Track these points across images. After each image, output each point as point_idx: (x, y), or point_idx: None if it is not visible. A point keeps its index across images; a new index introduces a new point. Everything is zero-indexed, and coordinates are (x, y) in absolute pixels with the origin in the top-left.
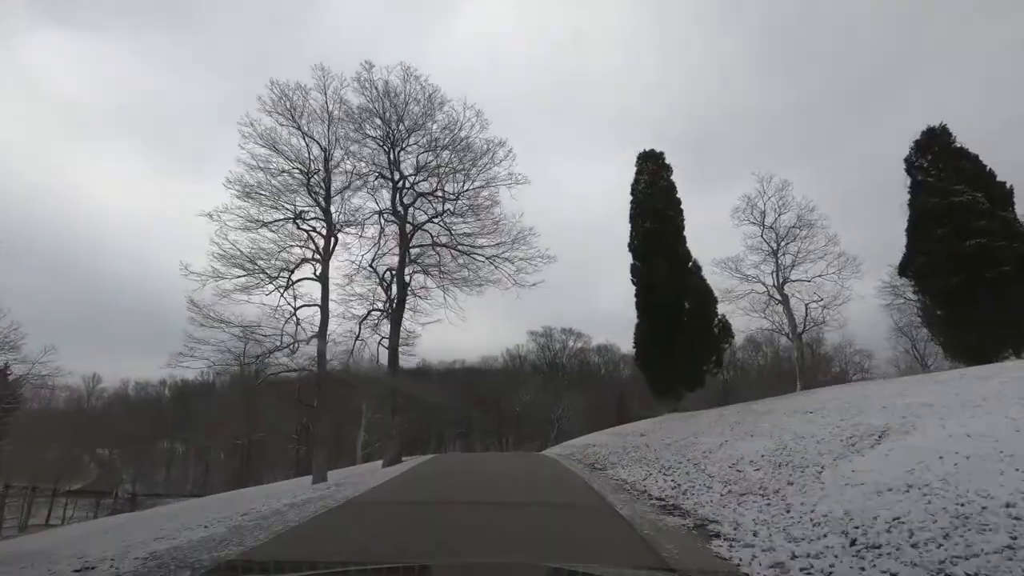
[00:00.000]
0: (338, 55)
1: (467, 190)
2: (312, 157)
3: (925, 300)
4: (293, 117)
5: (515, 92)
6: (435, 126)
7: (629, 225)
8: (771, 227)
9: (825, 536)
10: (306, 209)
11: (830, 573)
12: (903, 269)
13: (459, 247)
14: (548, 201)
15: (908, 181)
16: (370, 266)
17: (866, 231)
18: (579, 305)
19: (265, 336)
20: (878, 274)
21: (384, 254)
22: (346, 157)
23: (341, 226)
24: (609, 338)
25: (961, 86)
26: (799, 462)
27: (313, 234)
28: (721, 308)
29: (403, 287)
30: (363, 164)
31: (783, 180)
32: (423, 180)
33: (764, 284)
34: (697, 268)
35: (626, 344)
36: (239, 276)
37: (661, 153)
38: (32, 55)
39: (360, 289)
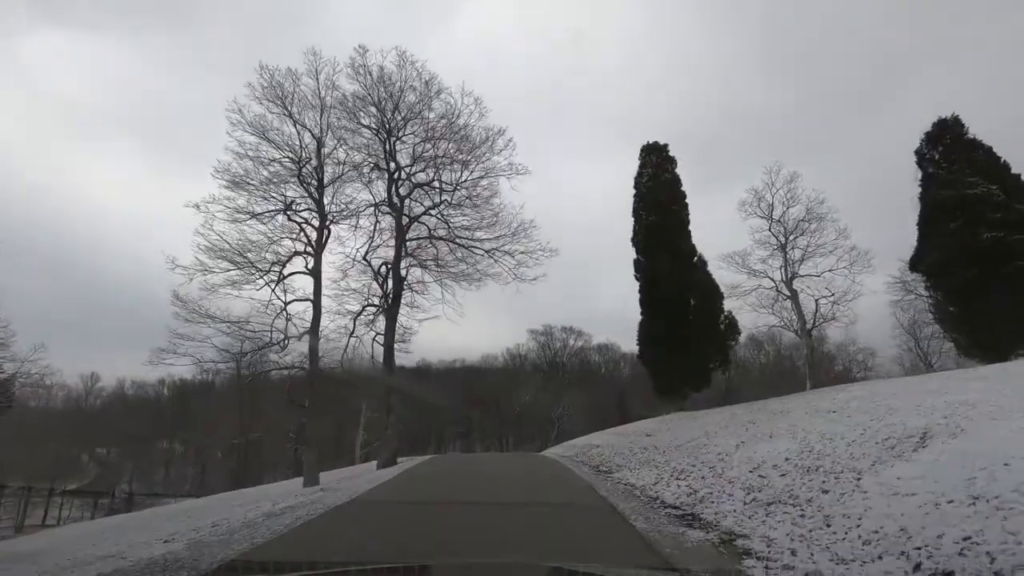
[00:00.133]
0: (339, 55)
1: (465, 180)
2: (304, 145)
3: (937, 296)
4: (284, 104)
5: (515, 92)
6: (432, 114)
7: (632, 219)
8: (779, 221)
9: (880, 558)
10: (297, 200)
11: None
12: (914, 264)
13: (457, 240)
14: (548, 201)
15: (919, 174)
16: (364, 259)
17: (868, 229)
18: (580, 305)
19: (254, 332)
20: (887, 270)
21: (379, 245)
22: (339, 145)
23: (334, 217)
24: (610, 337)
25: (965, 82)
26: (830, 467)
27: (305, 226)
28: (727, 304)
29: (399, 282)
30: (358, 154)
31: (792, 172)
32: (420, 171)
33: (772, 279)
34: (702, 263)
35: (627, 343)
36: (228, 270)
37: (665, 145)
38: (32, 55)
39: (355, 284)
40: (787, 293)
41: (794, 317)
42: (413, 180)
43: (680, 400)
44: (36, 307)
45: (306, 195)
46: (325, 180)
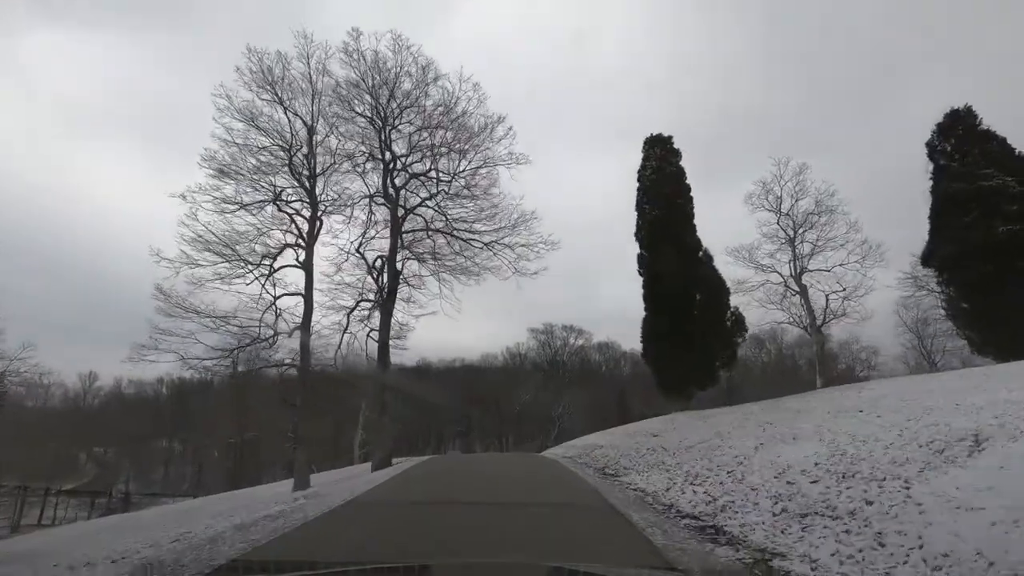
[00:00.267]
0: (331, 40)
1: (464, 170)
2: (294, 133)
3: (950, 291)
4: (274, 90)
5: (514, 93)
6: (429, 102)
7: (635, 213)
8: (787, 214)
9: None
10: (287, 189)
11: None
12: (926, 259)
13: (455, 232)
14: (548, 201)
15: (929, 167)
16: (357, 251)
17: (874, 228)
18: (580, 304)
19: (242, 328)
20: (898, 266)
21: (373, 237)
22: (331, 132)
23: (326, 207)
24: (610, 336)
25: (967, 80)
26: (869, 473)
27: (296, 217)
28: (734, 300)
29: (394, 276)
30: (351, 143)
31: (801, 163)
32: (417, 161)
33: (780, 274)
34: (708, 257)
35: (627, 342)
36: (216, 263)
37: (669, 137)
38: (31, 55)
39: (349, 278)
40: (796, 288)
41: (803, 313)
42: (409, 170)
43: (685, 399)
44: (35, 307)
45: (297, 185)
46: (317, 169)
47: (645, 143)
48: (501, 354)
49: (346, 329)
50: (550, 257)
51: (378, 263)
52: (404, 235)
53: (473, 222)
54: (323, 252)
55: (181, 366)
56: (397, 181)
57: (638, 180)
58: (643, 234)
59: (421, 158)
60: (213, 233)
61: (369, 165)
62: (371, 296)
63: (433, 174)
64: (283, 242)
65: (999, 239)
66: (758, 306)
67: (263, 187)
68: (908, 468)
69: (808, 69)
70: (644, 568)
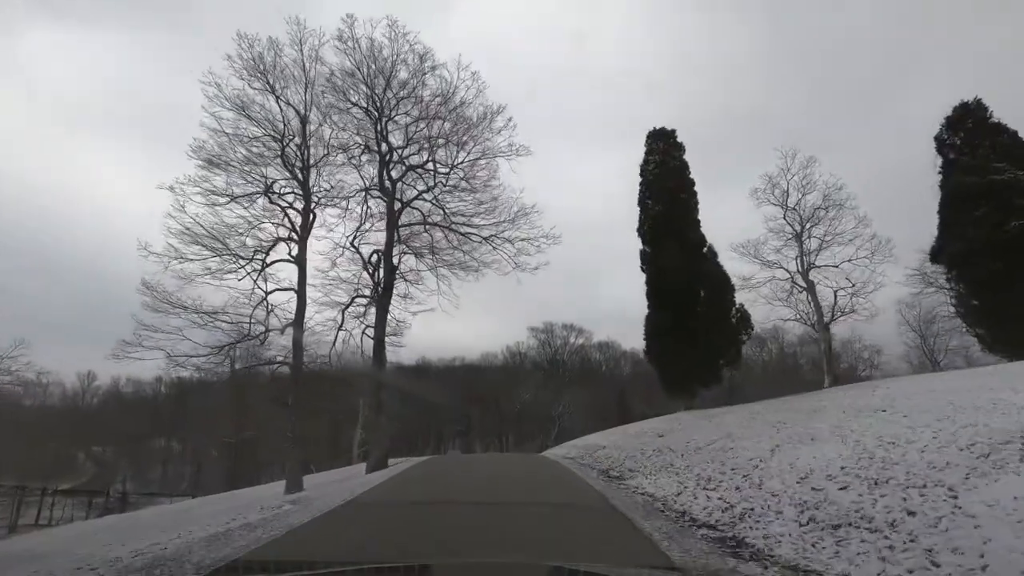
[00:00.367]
0: (326, 29)
1: (462, 162)
2: (287, 123)
3: (959, 288)
4: (265, 78)
5: (514, 92)
6: (427, 92)
7: (638, 208)
8: (794, 208)
9: None
10: (280, 181)
11: None
12: (935, 255)
13: (453, 226)
14: (548, 201)
15: (938, 161)
16: (351, 244)
17: (881, 225)
18: (580, 304)
19: (231, 324)
20: (905, 263)
21: (368, 229)
22: (324, 121)
23: (318, 198)
24: (611, 335)
25: (970, 77)
26: (905, 479)
27: (289, 210)
28: (739, 296)
29: (391, 271)
30: (346, 134)
31: (808, 156)
32: (414, 154)
33: (787, 270)
34: (713, 253)
35: (627, 341)
36: (206, 257)
37: (673, 131)
38: (31, 54)
39: (344, 274)
40: (803, 285)
41: (810, 310)
42: (406, 162)
43: (689, 397)
44: (35, 307)
45: (290, 176)
46: (311, 160)
47: (648, 137)
48: (501, 353)
49: (341, 326)
50: (551, 253)
51: (374, 258)
52: (401, 229)
53: (472, 216)
54: (317, 247)
55: (169, 364)
56: (394, 173)
57: (640, 174)
58: (646, 229)
59: (419, 150)
60: (201, 225)
61: (365, 157)
62: (367, 292)
63: (431, 166)
64: (275, 235)
65: (1010, 234)
66: (764, 303)
67: (254, 179)
68: (951, 474)
69: (809, 68)
70: (644, 568)
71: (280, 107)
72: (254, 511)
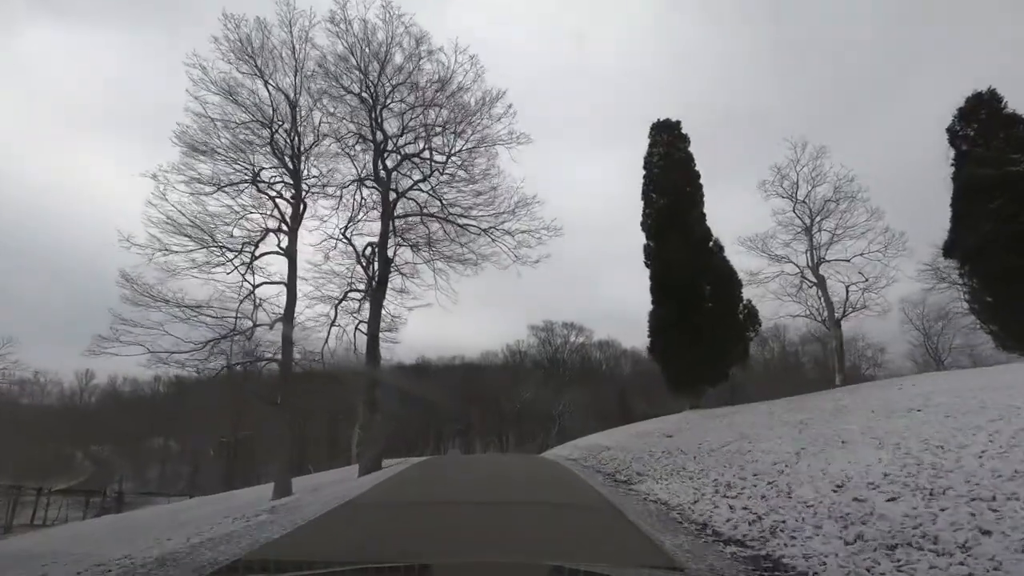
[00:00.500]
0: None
1: (460, 150)
2: (276, 108)
3: (972, 284)
4: (253, 61)
5: (513, 92)
6: (423, 78)
7: (641, 202)
8: (804, 201)
9: None
10: (268, 168)
11: None
12: (948, 250)
13: (450, 217)
14: (547, 200)
15: (950, 153)
16: (343, 235)
17: (891, 218)
18: (580, 304)
19: (216, 319)
20: (919, 256)
21: (360, 219)
22: (315, 107)
23: (308, 187)
24: (611, 334)
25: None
26: (968, 490)
27: (279, 200)
28: (746, 292)
29: (385, 264)
30: (339, 122)
31: (819, 146)
32: (410, 143)
33: (796, 264)
34: (719, 248)
35: (628, 340)
36: (191, 249)
37: (677, 122)
38: (31, 53)
39: (338, 267)
40: (813, 280)
41: (821, 306)
42: (402, 151)
43: (694, 396)
44: (35, 306)
45: (279, 165)
46: (301, 148)
47: (652, 128)
48: (501, 352)
49: (334, 321)
50: (552, 245)
51: (368, 251)
52: (396, 220)
53: (470, 207)
54: (309, 240)
55: (150, 360)
56: (388, 162)
57: (644, 167)
58: (650, 223)
59: (415, 139)
60: (183, 214)
61: (359, 147)
62: (361, 286)
63: (427, 155)
64: (263, 226)
65: None
66: (773, 298)
67: (242, 167)
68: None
69: (815, 61)
70: (644, 568)
71: (269, 91)
72: (229, 520)
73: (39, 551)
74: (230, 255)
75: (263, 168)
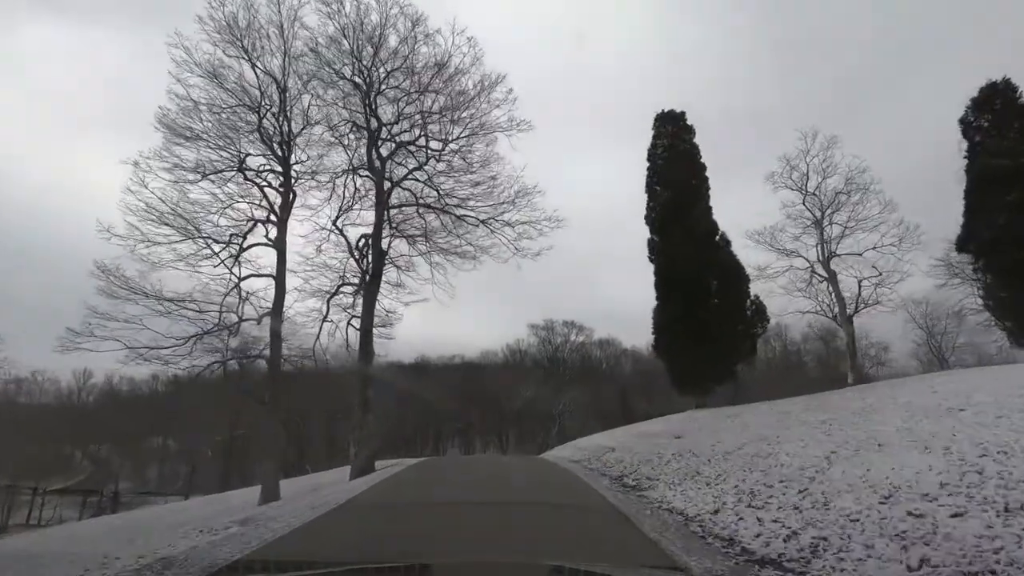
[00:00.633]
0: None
1: (458, 137)
2: (264, 91)
3: (987, 279)
4: (241, 42)
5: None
6: (419, 62)
7: (645, 195)
8: (814, 193)
9: None
10: (255, 155)
11: None
12: (962, 244)
13: (447, 208)
14: (548, 199)
15: (963, 145)
16: (334, 224)
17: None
18: (580, 304)
19: (198, 312)
20: (931, 252)
21: (350, 208)
22: (304, 89)
23: (297, 175)
24: (611, 333)
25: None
26: None
27: (268, 190)
28: (754, 288)
29: (379, 256)
30: (329, 106)
31: (829, 136)
32: (405, 131)
33: (806, 259)
34: (725, 242)
35: (628, 339)
36: (175, 241)
37: (682, 113)
38: (31, 52)
39: (329, 260)
40: (824, 274)
41: (832, 301)
42: (396, 139)
43: (701, 395)
44: (35, 305)
45: (268, 152)
46: (291, 133)
47: (655, 120)
48: (501, 351)
49: (326, 317)
50: (554, 238)
51: (361, 243)
52: (391, 210)
53: (467, 197)
54: (300, 231)
55: (128, 356)
56: (383, 151)
57: (648, 159)
58: (654, 216)
59: (411, 127)
60: (164, 201)
61: (353, 135)
62: (354, 280)
63: (423, 142)
64: (248, 215)
65: None
66: (782, 293)
67: (228, 155)
68: None
69: (815, 61)
70: (644, 568)
71: (256, 74)
72: (194, 533)
73: None
74: (217, 247)
75: (249, 154)
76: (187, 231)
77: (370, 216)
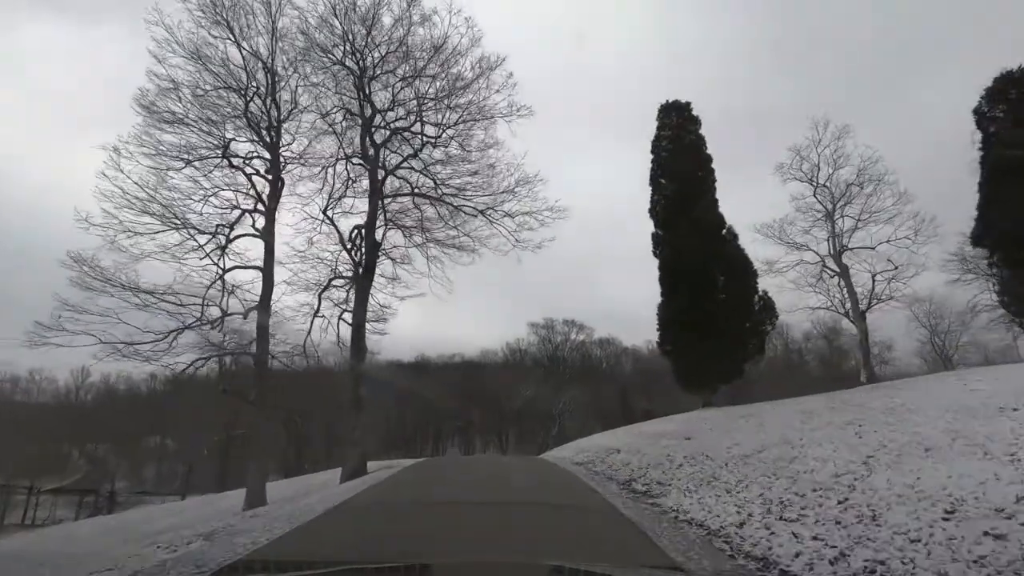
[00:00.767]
0: None
1: (456, 123)
2: (251, 74)
3: (1003, 274)
4: (226, 21)
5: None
6: (415, 44)
7: (649, 188)
8: (825, 184)
9: None
10: (245, 143)
11: None
12: (977, 238)
13: (444, 197)
14: (550, 188)
15: (978, 136)
16: (323, 213)
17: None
18: (580, 306)
19: (178, 305)
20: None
21: (344, 198)
22: (295, 69)
23: (286, 161)
24: (611, 333)
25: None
26: None
27: (255, 178)
28: (763, 283)
29: (373, 248)
30: (318, 88)
31: (841, 126)
32: (401, 118)
33: (817, 253)
34: (732, 235)
35: (629, 338)
36: (160, 231)
37: (687, 104)
38: (32, 51)
39: (321, 253)
40: (835, 269)
41: (844, 296)
42: (391, 126)
43: (707, 393)
44: (35, 305)
45: (256, 138)
46: (280, 118)
47: (660, 111)
48: (501, 349)
49: (317, 311)
50: (556, 229)
51: (354, 234)
52: (385, 200)
53: (464, 187)
54: (289, 220)
55: (103, 352)
56: (377, 138)
57: (652, 151)
58: (658, 210)
59: (406, 114)
60: (142, 187)
61: (345, 123)
62: (347, 274)
63: (418, 128)
64: (233, 203)
65: None
66: (792, 288)
67: (212, 141)
68: None
69: (817, 58)
70: (644, 567)
71: (242, 55)
72: (152, 549)
73: None
74: (202, 239)
75: (234, 139)
76: (169, 220)
77: (363, 205)
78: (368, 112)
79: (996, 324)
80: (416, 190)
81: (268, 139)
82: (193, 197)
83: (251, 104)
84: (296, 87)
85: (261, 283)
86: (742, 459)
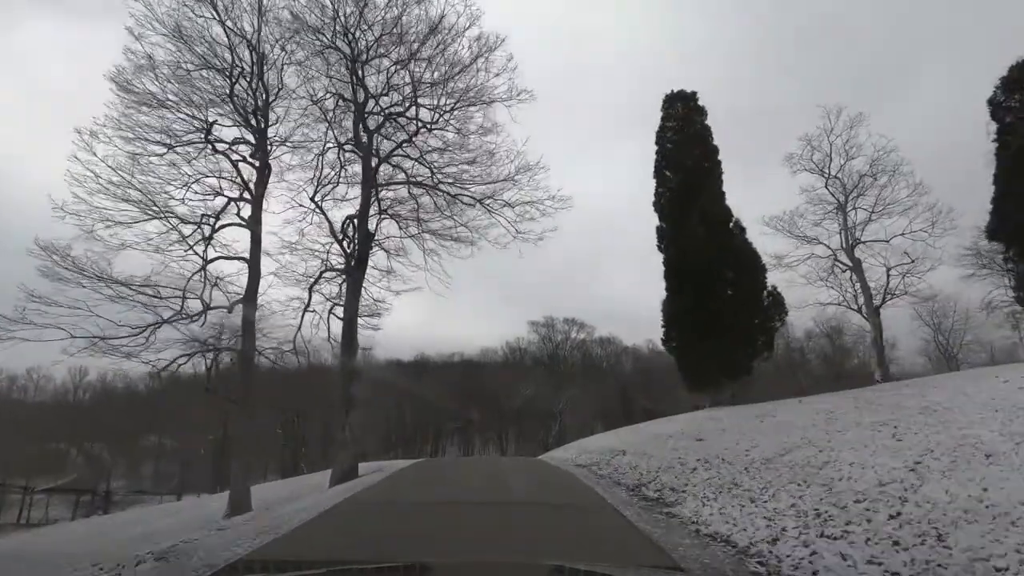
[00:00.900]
0: None
1: (453, 108)
2: (236, 53)
3: (1018, 269)
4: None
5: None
6: (410, 24)
7: (654, 180)
8: (837, 176)
9: None
10: (231, 128)
11: None
12: (993, 232)
13: (440, 185)
14: (552, 179)
15: (993, 127)
16: (312, 200)
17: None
18: (580, 306)
19: (155, 297)
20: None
21: (335, 184)
22: (283, 48)
23: (273, 146)
24: (612, 332)
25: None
26: None
27: (241, 165)
28: (772, 278)
29: (366, 239)
30: (308, 70)
31: (854, 114)
32: (396, 104)
33: (828, 246)
34: (740, 229)
35: (629, 337)
36: (139, 220)
37: (693, 93)
38: (32, 50)
39: (312, 245)
40: (847, 263)
41: (856, 291)
42: (385, 111)
43: (714, 392)
44: (33, 305)
45: (242, 122)
46: (268, 101)
47: (664, 101)
48: (501, 348)
49: (307, 306)
50: (557, 221)
51: (346, 225)
52: (379, 188)
53: (463, 175)
54: (277, 209)
55: (73, 346)
56: (370, 124)
57: (656, 142)
58: (663, 202)
59: (401, 99)
60: (116, 171)
61: (338, 109)
62: (339, 266)
63: (413, 112)
64: (216, 189)
65: None
66: (803, 283)
67: (195, 125)
68: None
69: (819, 55)
70: (644, 567)
71: (227, 32)
72: (98, 569)
73: None
74: (186, 230)
75: (216, 122)
76: (148, 208)
77: (355, 194)
78: (361, 97)
79: (1019, 317)
80: (411, 178)
81: (255, 123)
82: (174, 183)
83: (236, 85)
84: (283, 66)
85: (247, 275)
86: (763, 463)
